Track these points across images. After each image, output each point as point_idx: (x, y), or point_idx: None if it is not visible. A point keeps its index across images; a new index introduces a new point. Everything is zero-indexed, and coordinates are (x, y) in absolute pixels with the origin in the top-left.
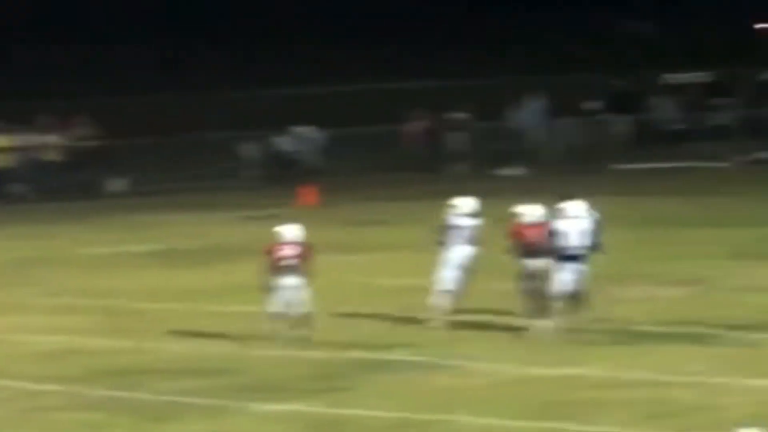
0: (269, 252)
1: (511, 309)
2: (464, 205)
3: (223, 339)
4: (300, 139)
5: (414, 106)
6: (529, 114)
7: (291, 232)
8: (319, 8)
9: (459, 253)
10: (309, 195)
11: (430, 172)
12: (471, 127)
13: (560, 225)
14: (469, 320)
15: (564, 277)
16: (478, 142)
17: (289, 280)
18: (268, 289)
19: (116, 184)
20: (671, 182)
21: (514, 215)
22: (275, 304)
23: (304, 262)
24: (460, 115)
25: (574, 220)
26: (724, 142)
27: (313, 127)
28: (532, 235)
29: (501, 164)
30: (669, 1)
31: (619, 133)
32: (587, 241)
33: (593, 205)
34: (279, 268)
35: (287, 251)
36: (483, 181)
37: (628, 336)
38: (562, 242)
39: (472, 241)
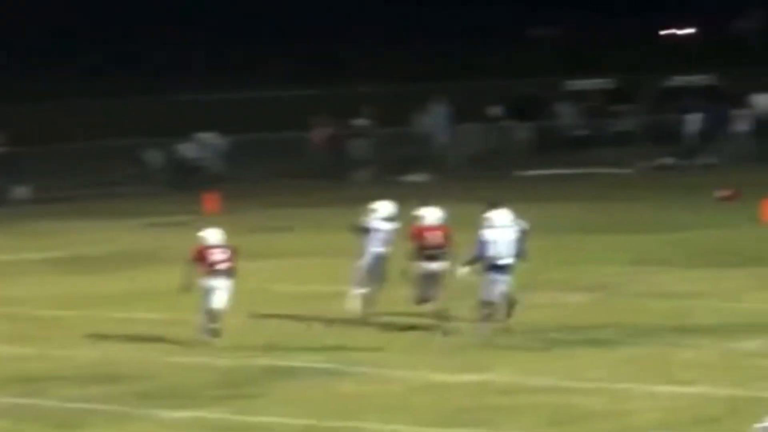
0: (200, 255)
1: (419, 314)
2: (383, 208)
3: (128, 345)
4: (203, 145)
5: (318, 112)
6: (433, 120)
7: (216, 236)
8: (221, 13)
9: (374, 256)
10: (212, 201)
11: (334, 179)
12: (374, 133)
13: (488, 234)
14: (378, 324)
15: (492, 287)
16: (381, 149)
17: (221, 282)
18: (195, 292)
19: (19, 191)
20: (574, 188)
21: (415, 218)
22: (207, 305)
23: (233, 264)
24: (363, 122)
25: (501, 229)
26: (626, 148)
27: (215, 134)
28: (431, 238)
29: (405, 170)
30: (574, 5)
31: (522, 139)
32: (513, 251)
33: (519, 215)
34: (212, 271)
35: (219, 255)
36: (387, 187)
37: (533, 341)
38: (490, 252)
39: (388, 244)
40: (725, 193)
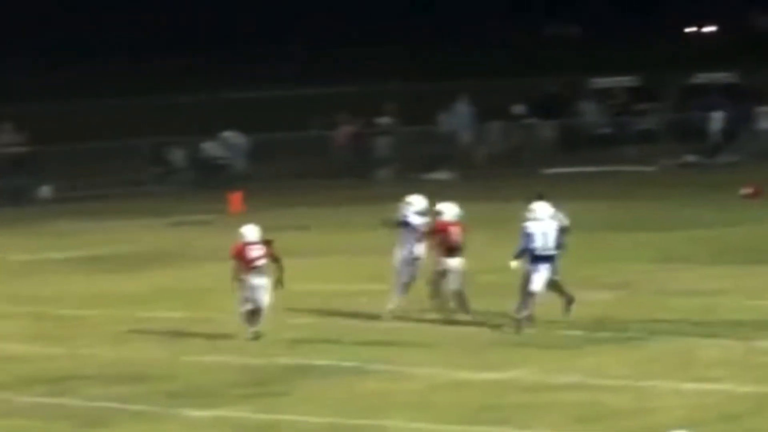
0: (239, 253)
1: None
2: (417, 202)
3: (153, 344)
4: (227, 144)
5: (342, 110)
6: (457, 118)
7: (254, 232)
8: (245, 11)
9: (410, 250)
10: (235, 200)
11: (357, 177)
12: (397, 131)
13: (531, 226)
14: (401, 324)
15: (535, 277)
16: (405, 147)
17: (259, 280)
18: (238, 290)
19: (43, 191)
20: (599, 186)
21: (436, 213)
22: (248, 303)
23: (272, 259)
24: (387, 120)
25: (544, 221)
26: (650, 146)
27: (238, 133)
28: (453, 233)
29: (428, 168)
30: (596, 4)
31: (547, 137)
32: (552, 243)
33: (560, 208)
34: (250, 268)
35: (256, 252)
36: (410, 185)
37: (557, 339)
38: (533, 243)
39: (421, 238)
40: (749, 190)
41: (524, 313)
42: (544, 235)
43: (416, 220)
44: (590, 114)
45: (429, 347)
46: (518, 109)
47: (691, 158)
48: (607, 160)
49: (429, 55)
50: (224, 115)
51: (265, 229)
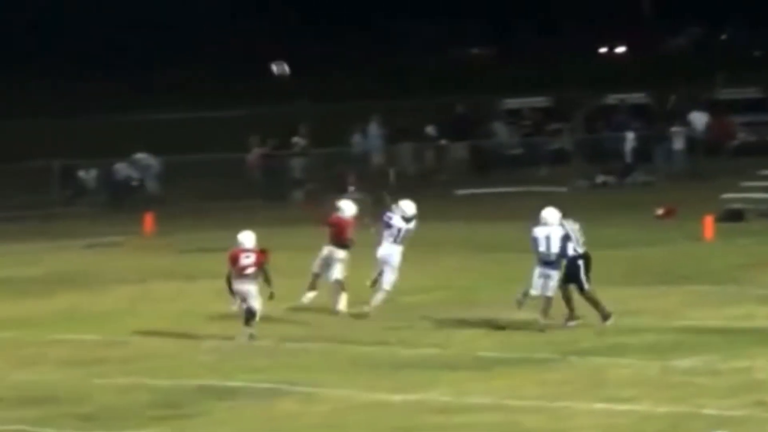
0: (233, 259)
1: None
2: (407, 208)
3: (64, 367)
4: (139, 165)
5: (254, 132)
6: (367, 139)
7: (250, 239)
8: (154, 34)
9: (388, 250)
10: (147, 222)
11: (271, 199)
12: (310, 153)
13: (537, 231)
14: (314, 345)
15: (541, 281)
16: (318, 169)
17: (248, 287)
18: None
19: None
20: (512, 207)
21: (336, 209)
22: (242, 306)
23: (259, 268)
24: (301, 141)
25: (550, 227)
26: (562, 167)
27: (150, 154)
28: (346, 229)
29: (341, 190)
30: (509, 25)
31: (459, 158)
32: (555, 249)
33: (567, 215)
34: (241, 276)
35: (246, 259)
36: (324, 206)
37: (468, 360)
38: (539, 247)
39: (404, 241)
40: (663, 210)
41: (543, 321)
42: (547, 239)
43: (398, 223)
44: (502, 135)
45: (342, 369)
46: (430, 130)
47: (603, 179)
48: (519, 180)
49: (342, 76)
50: (136, 136)
51: (177, 250)
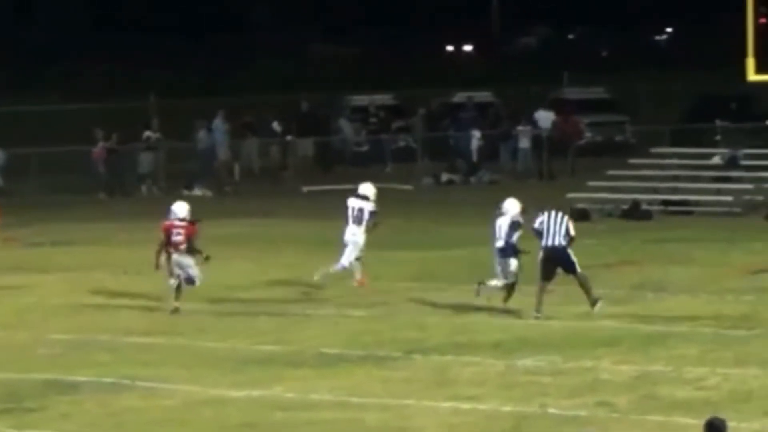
0: (166, 231)
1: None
2: (363, 188)
3: None
4: None
5: (101, 126)
6: (212, 135)
7: (183, 210)
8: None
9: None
10: None
11: (118, 194)
12: (160, 147)
13: (497, 221)
14: (160, 340)
15: (497, 269)
16: (168, 163)
17: (181, 259)
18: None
19: None
20: None
21: (170, 212)
22: (172, 277)
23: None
24: (151, 135)
25: (505, 216)
26: (408, 164)
27: None
28: (175, 232)
29: (187, 186)
30: (355, 22)
31: (305, 155)
32: (503, 236)
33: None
34: (174, 248)
35: (178, 232)
36: (172, 202)
37: (312, 357)
38: (494, 236)
39: (359, 222)
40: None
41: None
42: (499, 228)
43: (356, 203)
44: (347, 132)
45: (185, 364)
46: (276, 126)
47: (448, 177)
48: (364, 177)
49: (190, 70)
50: None
51: (20, 244)
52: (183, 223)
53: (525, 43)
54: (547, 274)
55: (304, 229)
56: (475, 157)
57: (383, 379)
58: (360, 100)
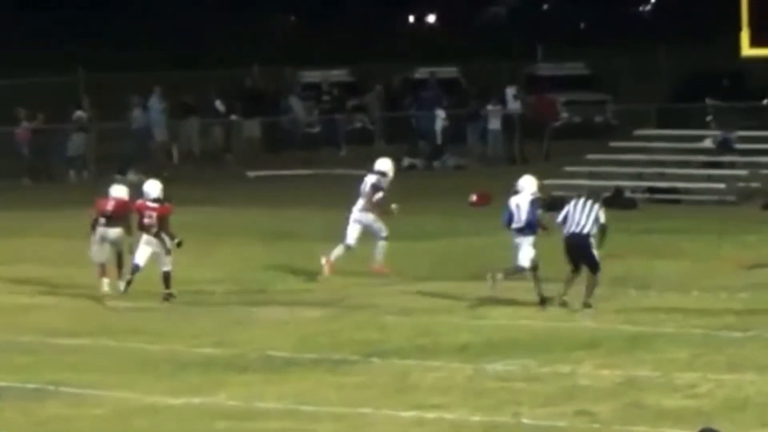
0: (138, 210)
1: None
2: (383, 165)
3: None
4: None
5: (25, 103)
6: (151, 114)
7: (155, 190)
8: None
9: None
10: None
11: (43, 178)
12: (92, 127)
13: (511, 200)
14: (88, 342)
15: (515, 251)
16: (98, 145)
17: (147, 239)
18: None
19: None
20: (308, 191)
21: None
22: (134, 259)
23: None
24: (82, 115)
25: (522, 194)
26: (365, 147)
27: None
28: (146, 213)
29: (120, 170)
30: None
31: (251, 136)
32: (524, 217)
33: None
34: (142, 228)
35: (148, 213)
36: (105, 188)
37: (259, 361)
38: (507, 218)
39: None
40: (475, 197)
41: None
42: (517, 207)
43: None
44: (298, 111)
45: (115, 368)
46: (218, 104)
47: (410, 162)
48: (317, 162)
49: (121, 44)
50: None
51: None
52: (155, 205)
53: (494, 13)
54: (574, 265)
55: (249, 219)
56: (439, 140)
57: (338, 385)
58: (312, 75)
